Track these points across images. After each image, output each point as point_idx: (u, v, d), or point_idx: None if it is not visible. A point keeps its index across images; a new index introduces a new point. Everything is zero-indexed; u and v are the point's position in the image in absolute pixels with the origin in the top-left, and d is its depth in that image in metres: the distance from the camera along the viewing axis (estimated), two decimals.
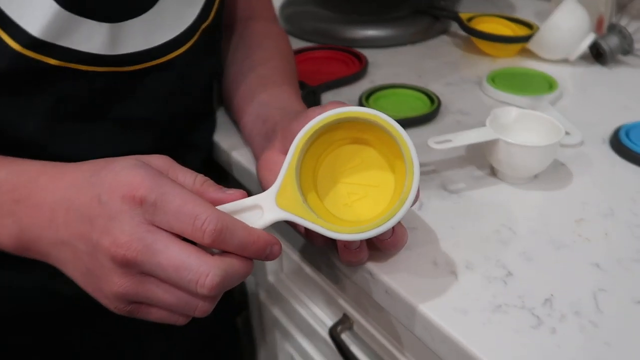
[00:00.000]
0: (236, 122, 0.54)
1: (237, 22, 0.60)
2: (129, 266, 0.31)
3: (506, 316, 0.35)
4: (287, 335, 0.66)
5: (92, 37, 0.41)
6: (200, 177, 0.34)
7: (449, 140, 0.45)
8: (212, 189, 0.34)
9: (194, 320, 0.34)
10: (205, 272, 0.30)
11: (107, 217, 0.31)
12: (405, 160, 0.34)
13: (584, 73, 0.67)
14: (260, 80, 0.51)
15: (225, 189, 0.34)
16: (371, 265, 0.40)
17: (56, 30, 0.39)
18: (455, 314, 0.36)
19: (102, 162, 0.34)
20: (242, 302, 0.76)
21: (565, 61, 0.68)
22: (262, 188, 0.40)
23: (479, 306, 0.36)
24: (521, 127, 0.48)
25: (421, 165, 0.50)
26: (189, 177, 0.34)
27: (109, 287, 0.31)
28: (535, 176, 0.48)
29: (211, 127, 0.56)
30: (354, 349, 0.51)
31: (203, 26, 0.48)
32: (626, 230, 0.42)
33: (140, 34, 0.43)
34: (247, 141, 0.50)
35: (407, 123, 0.56)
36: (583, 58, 0.69)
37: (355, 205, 0.37)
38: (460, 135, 0.46)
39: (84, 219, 0.32)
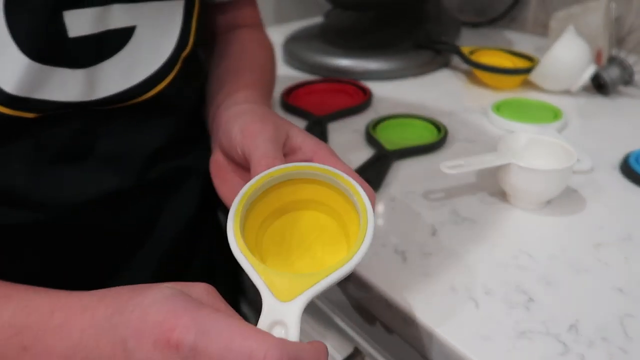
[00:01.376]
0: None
1: (222, 31, 0.59)
2: None
3: (531, 343, 0.34)
4: None
5: (67, 85, 0.39)
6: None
7: (461, 165, 0.45)
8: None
9: None
10: None
11: None
12: (360, 217, 0.31)
13: (587, 103, 0.68)
14: (220, 83, 0.51)
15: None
16: (387, 292, 0.38)
17: (29, 84, 0.37)
18: (478, 340, 0.34)
19: (129, 293, 0.28)
20: None
21: (567, 92, 0.69)
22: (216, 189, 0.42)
23: (502, 332, 0.35)
24: (531, 154, 0.48)
25: (431, 192, 0.50)
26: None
27: None
28: (548, 202, 0.47)
29: (206, 148, 0.55)
30: None
31: (183, 55, 0.46)
32: None
33: (117, 75, 0.41)
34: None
35: (414, 151, 0.56)
36: (584, 89, 0.70)
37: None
38: (472, 159, 0.45)
39: None
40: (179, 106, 0.48)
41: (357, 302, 0.44)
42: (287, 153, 0.38)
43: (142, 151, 0.46)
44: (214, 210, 0.58)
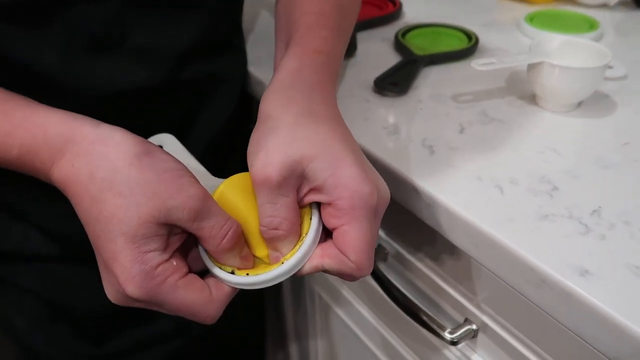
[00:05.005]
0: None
1: None
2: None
3: (554, 224, 0.35)
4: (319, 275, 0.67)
5: None
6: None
7: (493, 63, 0.45)
8: None
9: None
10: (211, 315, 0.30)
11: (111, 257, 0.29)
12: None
13: (624, 18, 0.65)
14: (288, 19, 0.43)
15: None
16: (413, 178, 0.39)
17: None
18: (502, 221, 0.35)
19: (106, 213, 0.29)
20: None
21: (604, 6, 0.67)
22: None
23: (526, 215, 0.36)
24: (564, 56, 0.47)
25: (460, 94, 0.50)
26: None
27: (115, 287, 0.30)
28: (579, 104, 0.47)
29: (240, 59, 0.55)
30: (391, 278, 0.51)
31: None
32: None
33: None
34: None
35: (444, 58, 0.55)
36: (623, 4, 0.67)
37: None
38: (504, 58, 0.45)
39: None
40: (212, 5, 0.48)
41: None
42: (300, 187, 0.31)
43: (173, 48, 0.46)
44: (249, 117, 0.59)
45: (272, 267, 0.31)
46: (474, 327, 0.44)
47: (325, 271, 0.31)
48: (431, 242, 0.44)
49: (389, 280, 0.49)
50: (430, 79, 0.53)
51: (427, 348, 0.50)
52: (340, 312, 0.63)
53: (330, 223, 0.30)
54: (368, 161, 0.32)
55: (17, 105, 0.33)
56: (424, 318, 0.45)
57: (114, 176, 0.29)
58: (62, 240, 0.48)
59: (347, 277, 0.31)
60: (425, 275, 0.47)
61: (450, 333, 0.43)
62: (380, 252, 0.51)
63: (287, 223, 0.30)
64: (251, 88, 0.56)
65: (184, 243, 0.31)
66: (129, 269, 0.28)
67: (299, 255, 0.30)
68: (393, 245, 0.50)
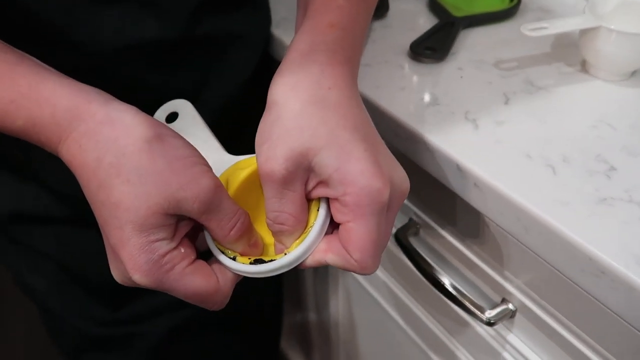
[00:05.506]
0: None
1: None
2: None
3: (612, 209, 0.33)
4: None
5: None
6: None
7: (545, 28, 0.41)
8: None
9: None
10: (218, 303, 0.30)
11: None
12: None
13: None
14: None
15: None
16: (457, 156, 0.37)
17: None
18: (555, 205, 0.33)
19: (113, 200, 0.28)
20: None
21: None
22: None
23: (581, 199, 0.33)
24: (621, 19, 0.43)
25: (503, 61, 0.46)
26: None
27: (121, 271, 0.29)
28: (633, 73, 0.43)
29: (262, 18, 0.51)
30: (422, 252, 0.50)
31: None
32: None
33: None
34: None
35: (484, 19, 0.51)
36: None
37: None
38: (556, 22, 0.41)
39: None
40: None
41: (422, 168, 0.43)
42: (308, 180, 0.29)
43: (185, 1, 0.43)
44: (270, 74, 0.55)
45: (275, 257, 0.30)
46: (512, 307, 0.42)
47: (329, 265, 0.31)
48: (469, 219, 0.42)
49: (420, 255, 0.48)
50: (470, 43, 0.49)
51: (457, 324, 0.49)
52: (363, 282, 0.61)
53: (337, 218, 0.29)
54: (385, 149, 0.30)
55: (26, 71, 0.31)
56: (460, 297, 0.43)
57: (123, 162, 0.27)
58: (73, 201, 0.47)
59: (352, 272, 0.30)
60: (460, 252, 0.45)
61: (488, 313, 0.42)
62: (411, 226, 0.49)
63: (293, 219, 0.29)
64: (275, 51, 0.53)
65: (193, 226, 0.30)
66: (137, 257, 0.27)
67: (301, 249, 0.29)
68: (424, 219, 0.48)
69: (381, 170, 0.27)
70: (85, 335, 0.54)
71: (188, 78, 0.46)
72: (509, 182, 0.35)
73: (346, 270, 0.29)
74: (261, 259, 0.29)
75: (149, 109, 0.40)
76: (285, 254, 0.29)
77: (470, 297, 0.43)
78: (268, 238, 0.32)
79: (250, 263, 0.29)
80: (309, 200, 0.30)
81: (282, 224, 0.29)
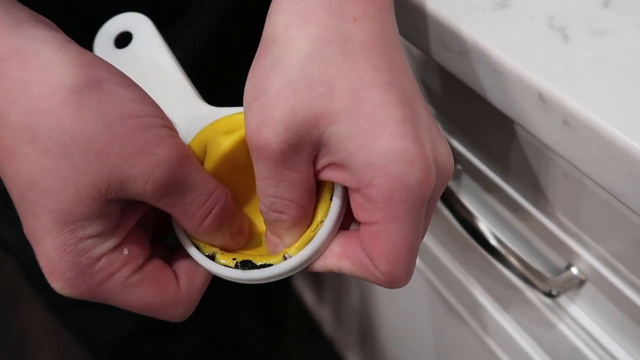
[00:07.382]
0: None
1: None
2: None
3: None
4: None
5: None
6: None
7: None
8: None
9: None
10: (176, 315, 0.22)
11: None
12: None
13: None
14: None
15: None
16: (542, 83, 0.26)
17: None
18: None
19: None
20: None
21: None
22: None
23: None
24: None
25: None
26: None
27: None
28: None
29: None
30: (465, 202, 0.41)
31: None
32: None
33: None
34: None
35: None
36: None
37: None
38: None
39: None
40: None
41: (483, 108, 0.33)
42: (316, 157, 0.21)
43: None
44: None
45: (269, 259, 0.21)
46: (581, 275, 0.34)
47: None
48: (533, 164, 0.32)
49: (462, 205, 0.39)
50: None
51: (505, 288, 0.41)
52: None
53: (359, 215, 0.20)
54: (426, 112, 0.20)
55: None
56: (515, 262, 0.35)
57: (38, 122, 0.18)
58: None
59: (375, 284, 0.21)
60: (513, 201, 0.36)
61: (550, 283, 0.34)
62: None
63: (295, 208, 0.20)
64: None
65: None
66: (56, 260, 0.19)
67: (308, 252, 0.21)
68: (469, 160, 0.38)
69: (424, 151, 0.19)
70: None
71: (158, 1, 0.34)
72: (618, 122, 0.24)
73: (367, 281, 0.21)
74: (251, 262, 0.20)
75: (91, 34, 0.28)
76: (284, 256, 0.20)
77: (528, 262, 0.35)
78: (261, 225, 0.22)
79: (236, 266, 0.20)
80: (317, 182, 0.20)
81: (280, 212, 0.20)
